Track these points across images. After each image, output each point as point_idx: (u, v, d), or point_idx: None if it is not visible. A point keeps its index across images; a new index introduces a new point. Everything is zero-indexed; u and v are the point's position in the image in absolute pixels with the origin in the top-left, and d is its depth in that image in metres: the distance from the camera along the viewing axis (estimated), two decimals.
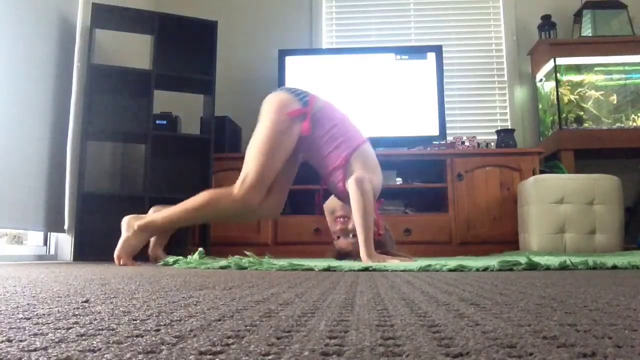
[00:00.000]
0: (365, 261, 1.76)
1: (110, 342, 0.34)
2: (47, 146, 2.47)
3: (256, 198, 1.89)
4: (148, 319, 0.45)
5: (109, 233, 2.78)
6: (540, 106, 3.63)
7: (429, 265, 1.41)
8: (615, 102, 3.31)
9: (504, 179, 3.11)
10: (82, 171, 2.62)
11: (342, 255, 2.00)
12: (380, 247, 1.91)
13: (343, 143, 1.96)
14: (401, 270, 1.34)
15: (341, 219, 1.99)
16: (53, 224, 2.53)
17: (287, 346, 0.32)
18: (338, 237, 2.01)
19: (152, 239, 2.09)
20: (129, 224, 1.95)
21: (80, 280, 1.00)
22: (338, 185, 1.96)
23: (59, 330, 0.38)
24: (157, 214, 1.96)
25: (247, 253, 1.70)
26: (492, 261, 1.58)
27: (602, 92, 3.33)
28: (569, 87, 3.34)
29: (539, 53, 3.53)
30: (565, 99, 3.31)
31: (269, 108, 2.00)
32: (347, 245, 1.97)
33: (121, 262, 1.92)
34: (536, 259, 1.48)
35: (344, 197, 1.96)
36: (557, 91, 3.29)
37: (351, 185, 1.85)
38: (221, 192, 1.92)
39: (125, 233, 1.95)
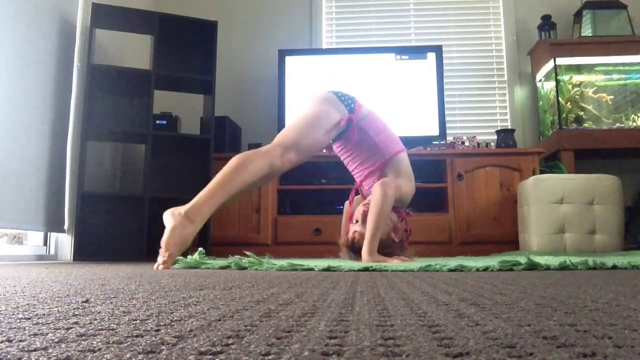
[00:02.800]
0: (365, 258, 1.77)
1: (110, 342, 0.34)
2: (47, 146, 2.47)
3: (291, 161, 1.87)
4: (148, 319, 0.45)
5: (109, 233, 2.79)
6: (540, 106, 3.63)
7: (429, 265, 1.41)
8: (609, 102, 3.31)
9: (504, 179, 3.11)
10: (82, 171, 2.62)
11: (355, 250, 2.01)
12: (386, 248, 1.92)
13: (380, 151, 2.02)
14: (401, 270, 1.34)
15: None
16: (53, 224, 2.53)
17: (287, 346, 0.32)
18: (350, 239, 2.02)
19: None
20: (173, 213, 1.74)
21: (80, 280, 1.00)
22: (369, 191, 2.01)
23: (59, 330, 0.38)
24: (196, 198, 1.79)
25: (247, 253, 1.70)
26: (492, 261, 1.58)
27: (595, 89, 3.33)
28: (576, 87, 3.34)
29: (539, 53, 3.53)
30: (566, 98, 3.31)
31: (314, 99, 2.04)
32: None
33: (167, 256, 1.66)
34: (536, 259, 1.48)
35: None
36: (557, 91, 3.30)
37: (375, 187, 1.88)
38: (250, 153, 1.85)
39: (171, 223, 1.73)
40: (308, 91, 3.46)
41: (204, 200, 1.76)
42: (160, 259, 1.66)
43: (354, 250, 1.94)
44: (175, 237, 1.70)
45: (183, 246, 1.72)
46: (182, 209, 1.74)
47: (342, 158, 2.18)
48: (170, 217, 1.74)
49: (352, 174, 2.17)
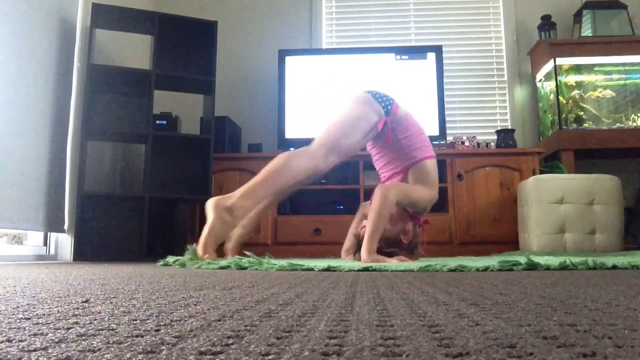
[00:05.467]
0: (363, 257, 1.78)
1: (110, 342, 0.34)
2: (47, 146, 2.47)
3: (334, 162, 1.88)
4: (148, 319, 0.45)
5: (109, 233, 2.79)
6: (540, 106, 3.63)
7: (429, 265, 1.41)
8: (613, 97, 3.31)
9: (504, 179, 3.11)
10: (82, 171, 2.62)
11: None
12: (391, 246, 1.92)
13: (408, 154, 2.02)
14: (401, 270, 1.34)
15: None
16: (53, 224, 2.53)
17: (287, 346, 0.32)
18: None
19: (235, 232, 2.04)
20: (217, 205, 1.71)
21: (80, 280, 1.00)
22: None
23: (59, 330, 0.38)
24: (239, 191, 1.77)
25: (247, 253, 1.70)
26: (492, 261, 1.58)
27: (597, 90, 3.33)
28: (575, 90, 3.34)
29: (539, 53, 3.53)
30: (565, 98, 3.31)
31: (352, 100, 2.04)
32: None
33: (205, 259, 1.67)
34: (536, 259, 1.48)
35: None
36: (557, 91, 3.30)
37: (376, 190, 1.89)
38: (295, 153, 1.87)
39: (211, 218, 1.70)
40: (308, 91, 3.46)
41: (247, 193, 1.74)
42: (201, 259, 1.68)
43: (360, 247, 1.95)
44: (214, 237, 1.70)
45: (219, 242, 1.72)
46: (227, 201, 1.71)
47: (372, 156, 2.20)
48: (212, 210, 1.71)
49: (378, 172, 2.19)
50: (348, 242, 2.22)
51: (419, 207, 2.00)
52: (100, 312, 0.50)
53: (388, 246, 1.89)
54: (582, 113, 3.33)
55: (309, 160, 1.83)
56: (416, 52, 3.48)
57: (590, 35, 3.43)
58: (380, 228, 1.83)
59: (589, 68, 3.39)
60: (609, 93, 3.31)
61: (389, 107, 2.03)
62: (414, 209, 1.99)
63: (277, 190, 1.82)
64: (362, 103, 2.00)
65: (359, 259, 1.96)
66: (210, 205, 1.73)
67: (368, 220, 1.85)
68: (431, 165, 2.05)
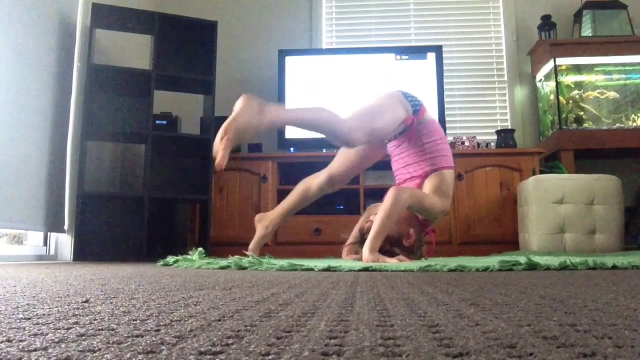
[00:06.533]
0: (365, 254, 1.78)
1: (110, 342, 0.34)
2: (47, 146, 2.47)
3: (361, 138, 1.88)
4: (148, 319, 0.45)
5: (109, 233, 2.79)
6: (540, 106, 3.63)
7: (429, 265, 1.40)
8: (616, 97, 3.31)
9: (504, 179, 3.11)
10: (82, 171, 2.62)
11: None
12: (392, 245, 1.92)
13: (429, 160, 2.02)
14: (401, 270, 1.34)
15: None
16: (53, 224, 2.53)
17: (287, 346, 0.32)
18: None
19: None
20: (248, 98, 1.69)
21: (80, 280, 1.00)
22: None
23: (59, 330, 0.38)
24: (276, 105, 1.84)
25: (247, 253, 1.70)
26: (492, 261, 1.58)
27: (599, 90, 3.33)
28: (575, 90, 3.34)
29: (539, 53, 3.53)
30: (565, 98, 3.31)
31: (384, 93, 2.08)
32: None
33: (225, 140, 1.64)
34: (536, 259, 1.48)
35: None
36: (557, 91, 3.30)
37: (389, 191, 1.89)
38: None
39: (240, 105, 1.68)
40: (308, 91, 3.46)
41: (284, 108, 1.83)
42: (216, 149, 1.61)
43: (363, 241, 1.95)
44: (239, 123, 1.61)
45: (243, 137, 1.65)
46: (260, 102, 1.70)
47: (392, 156, 2.20)
48: (242, 101, 1.67)
49: (394, 174, 2.19)
50: (350, 239, 2.21)
51: (430, 215, 2.00)
52: (100, 312, 0.50)
53: (390, 244, 1.89)
54: (582, 113, 3.33)
55: (346, 130, 1.86)
56: (416, 52, 3.48)
57: (590, 35, 3.43)
58: (387, 228, 1.83)
59: (589, 68, 3.39)
60: (612, 94, 3.31)
61: (418, 108, 2.05)
62: (424, 216, 1.99)
63: (309, 126, 1.88)
64: (393, 97, 2.03)
65: (361, 256, 1.96)
66: (243, 97, 1.70)
67: (376, 219, 1.85)
68: (449, 175, 2.05)
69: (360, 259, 1.99)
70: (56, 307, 0.54)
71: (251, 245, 2.14)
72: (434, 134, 2.07)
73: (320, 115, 1.87)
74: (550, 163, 3.26)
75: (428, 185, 2.00)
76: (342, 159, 2.20)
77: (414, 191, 1.95)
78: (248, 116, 1.63)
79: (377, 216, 1.86)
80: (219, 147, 1.62)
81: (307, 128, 1.89)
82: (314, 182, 2.19)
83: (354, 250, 2.14)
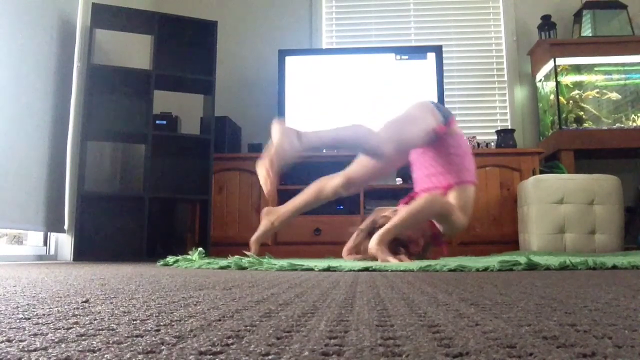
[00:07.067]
0: (372, 244, 1.77)
1: (110, 342, 0.34)
2: (47, 146, 2.47)
3: (391, 150, 1.87)
4: (148, 319, 0.45)
5: (109, 233, 2.79)
6: (540, 106, 3.63)
7: (429, 265, 1.40)
8: (618, 98, 3.30)
9: (504, 179, 3.11)
10: (82, 171, 2.62)
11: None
12: (397, 245, 1.92)
13: (454, 172, 2.01)
14: (401, 270, 1.34)
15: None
16: (53, 224, 2.53)
17: (287, 346, 0.32)
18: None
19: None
20: (286, 128, 1.70)
21: (80, 280, 1.00)
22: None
23: (59, 330, 0.38)
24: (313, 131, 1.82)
25: (247, 253, 1.70)
26: (492, 261, 1.58)
27: (598, 90, 3.33)
28: (576, 90, 3.34)
29: (539, 53, 3.53)
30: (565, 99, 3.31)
31: (415, 104, 2.10)
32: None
33: (270, 167, 1.69)
34: (536, 259, 1.48)
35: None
36: (557, 91, 3.30)
37: (425, 196, 1.90)
38: (370, 129, 1.91)
39: (279, 136, 1.68)
40: (308, 91, 3.46)
41: (321, 132, 1.80)
42: (264, 180, 1.65)
43: (371, 234, 1.94)
44: (281, 153, 1.64)
45: (285, 165, 1.68)
46: (296, 130, 1.70)
47: (413, 162, 2.18)
48: (280, 132, 1.66)
49: (414, 180, 2.17)
50: (351, 241, 2.20)
51: (450, 229, 1.98)
52: (100, 312, 0.50)
53: (395, 245, 1.88)
54: (582, 113, 3.33)
55: (378, 144, 1.85)
56: (416, 52, 3.48)
57: (590, 35, 3.43)
58: (406, 227, 1.82)
59: (589, 68, 3.39)
60: (614, 95, 3.31)
61: (448, 118, 2.04)
62: (444, 229, 1.97)
63: (344, 145, 1.92)
64: (424, 108, 2.05)
65: (361, 257, 1.95)
66: (278, 127, 1.68)
67: (399, 213, 1.82)
68: (472, 192, 2.04)
69: (360, 259, 1.98)
70: (56, 307, 0.54)
71: (253, 237, 2.11)
72: (462, 147, 2.07)
73: (357, 132, 1.87)
74: (550, 163, 3.26)
75: (452, 199, 1.97)
76: (362, 163, 2.16)
77: (447, 203, 1.92)
78: (289, 145, 1.66)
79: (401, 212, 1.83)
80: (267, 179, 1.65)
81: (343, 147, 1.93)
82: (329, 183, 2.15)
83: (354, 251, 2.13)
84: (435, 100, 3.36)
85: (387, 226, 1.80)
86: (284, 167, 1.68)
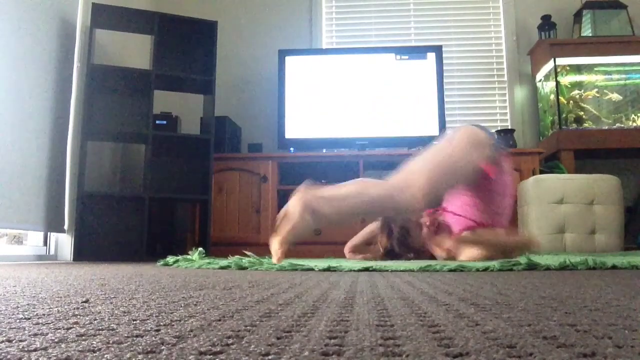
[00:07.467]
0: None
1: (110, 342, 0.34)
2: (47, 146, 2.47)
3: (423, 206, 1.66)
4: (148, 319, 0.45)
5: (109, 233, 2.79)
6: (540, 106, 3.63)
7: (429, 265, 1.40)
8: (619, 98, 3.30)
9: None
10: (82, 171, 2.62)
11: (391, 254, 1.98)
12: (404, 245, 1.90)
13: (493, 216, 1.82)
14: (401, 270, 1.34)
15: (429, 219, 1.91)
16: (53, 224, 2.53)
17: (287, 346, 0.32)
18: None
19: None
20: (306, 202, 1.58)
21: (80, 280, 1.00)
22: (424, 232, 1.89)
23: (59, 330, 0.38)
24: (327, 193, 1.63)
25: (247, 253, 1.70)
26: (492, 261, 1.58)
27: (597, 90, 3.33)
28: (576, 90, 3.34)
29: (539, 53, 3.53)
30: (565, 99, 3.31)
31: (466, 137, 1.78)
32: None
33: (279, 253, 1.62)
34: (536, 259, 1.48)
35: (411, 242, 1.92)
36: (557, 91, 3.29)
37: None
38: (397, 186, 1.66)
39: (299, 212, 1.59)
40: (308, 91, 3.46)
41: (332, 202, 1.60)
42: (275, 252, 1.57)
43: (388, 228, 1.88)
44: (296, 233, 1.58)
45: (296, 241, 1.61)
46: (315, 202, 1.56)
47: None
48: (300, 206, 1.56)
49: (442, 202, 1.99)
50: (356, 239, 2.17)
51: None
52: (100, 312, 0.50)
53: (403, 245, 1.88)
54: (582, 113, 3.33)
55: (407, 201, 1.62)
56: (416, 52, 3.48)
57: (590, 35, 3.43)
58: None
59: (589, 68, 3.39)
60: (616, 96, 3.31)
61: (499, 155, 1.81)
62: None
63: (369, 212, 1.74)
64: (476, 146, 1.75)
65: (364, 257, 1.95)
66: (299, 202, 1.58)
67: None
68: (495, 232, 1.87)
69: (365, 259, 1.98)
70: (56, 307, 0.54)
71: (282, 233, 1.72)
72: (508, 187, 1.86)
73: (381, 194, 1.63)
74: (550, 163, 3.26)
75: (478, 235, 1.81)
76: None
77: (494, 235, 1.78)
78: (302, 227, 1.58)
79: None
80: (279, 254, 1.57)
81: (367, 215, 1.73)
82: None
83: (358, 250, 2.12)
84: (436, 101, 3.36)
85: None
86: (295, 242, 1.62)
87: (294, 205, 1.58)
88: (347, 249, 2.20)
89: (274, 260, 1.58)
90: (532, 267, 1.37)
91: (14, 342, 0.34)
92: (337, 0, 3.93)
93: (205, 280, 1.00)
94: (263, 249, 2.32)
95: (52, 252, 2.65)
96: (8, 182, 2.17)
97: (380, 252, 2.00)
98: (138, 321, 0.43)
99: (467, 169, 1.71)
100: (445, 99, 3.46)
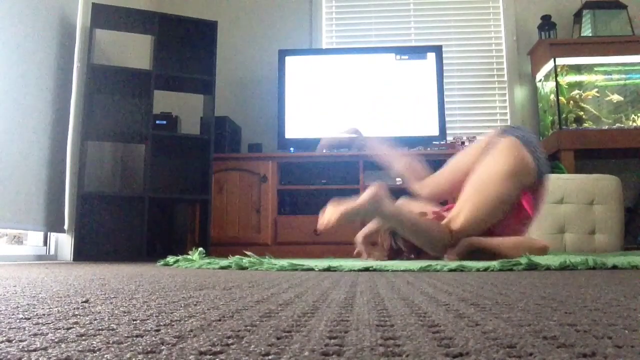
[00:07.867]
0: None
1: (110, 342, 0.34)
2: (47, 146, 2.47)
3: (451, 241, 1.74)
4: (148, 319, 0.45)
5: (109, 233, 2.79)
6: (540, 106, 3.63)
7: (429, 265, 1.40)
8: (621, 99, 3.30)
9: None
10: (82, 171, 2.62)
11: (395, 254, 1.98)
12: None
13: (519, 230, 1.85)
14: (401, 270, 1.34)
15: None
16: (53, 224, 2.53)
17: (287, 346, 0.32)
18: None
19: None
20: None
21: (80, 280, 1.00)
22: (443, 215, 1.88)
23: (59, 330, 0.38)
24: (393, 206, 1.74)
25: (247, 253, 1.70)
26: (493, 261, 1.58)
27: (597, 90, 3.33)
28: (577, 90, 3.34)
29: (539, 53, 3.53)
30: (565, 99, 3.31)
31: (513, 160, 1.76)
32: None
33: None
34: (536, 259, 1.48)
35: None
36: (557, 91, 3.29)
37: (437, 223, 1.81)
38: (442, 225, 1.78)
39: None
40: (308, 91, 3.46)
41: (396, 208, 1.75)
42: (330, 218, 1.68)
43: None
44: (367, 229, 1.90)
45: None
46: (385, 207, 1.69)
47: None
48: (374, 192, 1.68)
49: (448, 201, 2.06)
50: (368, 228, 2.11)
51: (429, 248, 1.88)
52: (100, 312, 0.50)
53: (408, 242, 1.86)
54: (582, 113, 3.33)
55: (445, 235, 1.74)
56: (416, 52, 3.48)
57: (590, 35, 3.43)
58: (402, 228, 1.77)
59: (589, 68, 3.39)
60: (616, 97, 3.31)
61: (542, 179, 1.79)
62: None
63: (413, 233, 1.78)
64: (520, 176, 1.75)
65: (377, 256, 1.93)
66: (373, 189, 1.69)
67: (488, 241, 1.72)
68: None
69: (371, 258, 1.95)
70: (56, 307, 0.54)
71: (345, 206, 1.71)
72: (539, 210, 1.87)
73: (431, 227, 1.75)
74: (550, 163, 3.26)
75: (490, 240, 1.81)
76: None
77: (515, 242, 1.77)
78: (363, 211, 1.72)
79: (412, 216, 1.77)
80: (332, 220, 1.67)
81: (410, 234, 1.78)
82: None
83: (369, 240, 2.05)
84: (436, 101, 3.36)
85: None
86: (350, 221, 1.73)
87: (367, 193, 1.72)
88: (359, 236, 2.12)
89: (319, 224, 1.71)
90: (532, 267, 1.37)
91: (14, 342, 0.34)
92: (337, 0, 3.93)
93: (205, 280, 1.00)
94: (263, 249, 2.33)
95: (52, 252, 2.65)
96: (8, 182, 2.17)
97: (385, 254, 1.99)
98: (138, 321, 0.43)
99: (508, 205, 1.77)
100: (445, 99, 3.46)
